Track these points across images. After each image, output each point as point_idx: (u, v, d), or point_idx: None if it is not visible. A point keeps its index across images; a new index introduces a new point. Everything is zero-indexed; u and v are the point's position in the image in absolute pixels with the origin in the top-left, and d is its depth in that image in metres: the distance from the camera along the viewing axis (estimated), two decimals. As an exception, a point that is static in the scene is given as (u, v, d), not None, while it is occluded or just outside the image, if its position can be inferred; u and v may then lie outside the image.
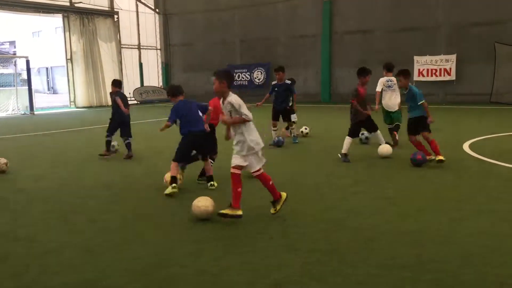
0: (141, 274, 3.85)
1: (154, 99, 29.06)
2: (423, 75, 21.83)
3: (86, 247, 4.51)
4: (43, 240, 4.73)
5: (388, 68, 10.28)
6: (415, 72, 22.26)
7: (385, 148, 8.74)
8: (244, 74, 27.72)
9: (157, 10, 30.72)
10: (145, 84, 29.97)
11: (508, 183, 6.63)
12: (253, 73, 27.34)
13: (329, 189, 6.53)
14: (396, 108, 9.93)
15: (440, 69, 21.57)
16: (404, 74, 8.13)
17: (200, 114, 6.84)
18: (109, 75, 26.58)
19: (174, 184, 6.39)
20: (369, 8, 23.57)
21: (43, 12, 25.68)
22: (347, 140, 8.45)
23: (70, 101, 26.53)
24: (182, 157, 6.73)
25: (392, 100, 9.98)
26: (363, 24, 23.85)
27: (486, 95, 20.88)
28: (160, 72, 31.25)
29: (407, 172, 7.52)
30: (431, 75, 21.58)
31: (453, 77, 21.35)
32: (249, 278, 3.70)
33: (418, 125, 7.84)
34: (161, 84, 31.23)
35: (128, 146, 9.38)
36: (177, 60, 30.74)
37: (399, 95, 9.90)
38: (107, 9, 27.83)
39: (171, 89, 7.10)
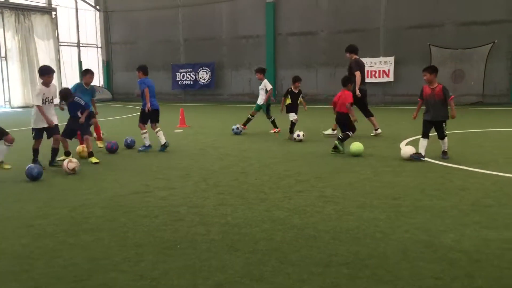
0: (76, 280, 3.70)
1: (95, 98, 28.19)
2: (363, 76, 22.46)
3: (19, 254, 4.28)
4: (-30, 248, 4.45)
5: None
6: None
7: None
8: (189, 74, 27.42)
9: (97, 7, 29.83)
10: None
11: (441, 180, 6.93)
12: (198, 73, 27.11)
13: (272, 189, 6.56)
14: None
15: (379, 71, 22.31)
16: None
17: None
18: (47, 73, 25.50)
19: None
20: (312, 10, 23.99)
21: (-26, 7, 24.28)
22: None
23: (5, 101, 25.24)
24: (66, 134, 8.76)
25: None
26: (306, 26, 24.24)
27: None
28: (101, 71, 30.38)
29: (348, 171, 7.70)
30: (371, 77, 22.24)
31: (391, 78, 22.14)
32: (189, 281, 3.64)
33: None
34: (102, 83, 30.35)
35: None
36: (118, 58, 29.98)
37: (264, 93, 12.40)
38: (44, 5, 26.70)
39: (67, 93, 8.80)
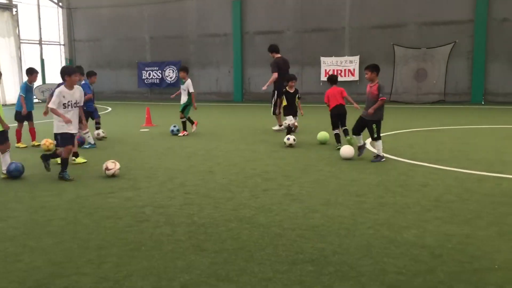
0: (37, 284, 3.60)
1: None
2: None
3: (-26, 259, 4.13)
4: None
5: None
6: (322, 72, 23.13)
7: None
8: (155, 72, 27.11)
9: (60, 4, 29.12)
10: (47, 82, 28.29)
11: (404, 177, 7.08)
12: (165, 71, 26.83)
13: (239, 188, 6.56)
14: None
15: (345, 70, 22.61)
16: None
17: None
18: (7, 72, 24.79)
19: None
20: (278, 9, 24.09)
21: None
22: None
23: (-37, 100, 24.40)
24: None
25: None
26: (273, 25, 24.32)
27: (386, 95, 22.17)
28: (65, 69, 29.68)
29: (313, 168, 7.77)
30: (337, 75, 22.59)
31: (356, 77, 22.46)
32: (154, 283, 3.59)
33: None
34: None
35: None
36: (82, 56, 29.34)
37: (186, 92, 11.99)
38: (4, 1, 25.88)
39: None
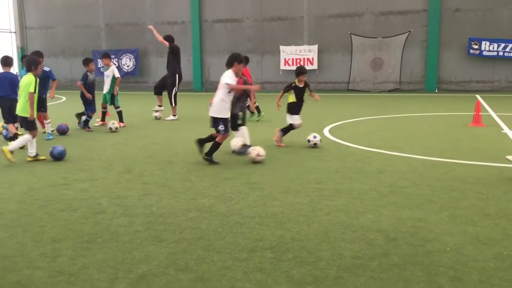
0: (-14, 281, 3.47)
1: None
2: (288, 64, 22.86)
3: None
4: None
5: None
6: (281, 61, 23.21)
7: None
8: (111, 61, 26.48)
9: (9, -11, 27.90)
10: (-2, 71, 27.17)
11: (361, 163, 7.22)
12: (121, 59, 26.22)
13: (198, 177, 6.51)
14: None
15: (304, 59, 22.79)
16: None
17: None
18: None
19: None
20: (235, -3, 23.97)
21: None
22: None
23: None
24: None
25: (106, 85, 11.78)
26: (232, 13, 24.17)
27: (344, 83, 22.59)
28: (16, 57, 28.54)
29: (273, 157, 7.80)
30: (296, 64, 22.72)
31: (315, 66, 22.68)
32: (110, 275, 3.53)
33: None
34: (16, 71, 28.53)
35: None
36: (35, 44, 28.26)
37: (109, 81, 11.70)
38: None
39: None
